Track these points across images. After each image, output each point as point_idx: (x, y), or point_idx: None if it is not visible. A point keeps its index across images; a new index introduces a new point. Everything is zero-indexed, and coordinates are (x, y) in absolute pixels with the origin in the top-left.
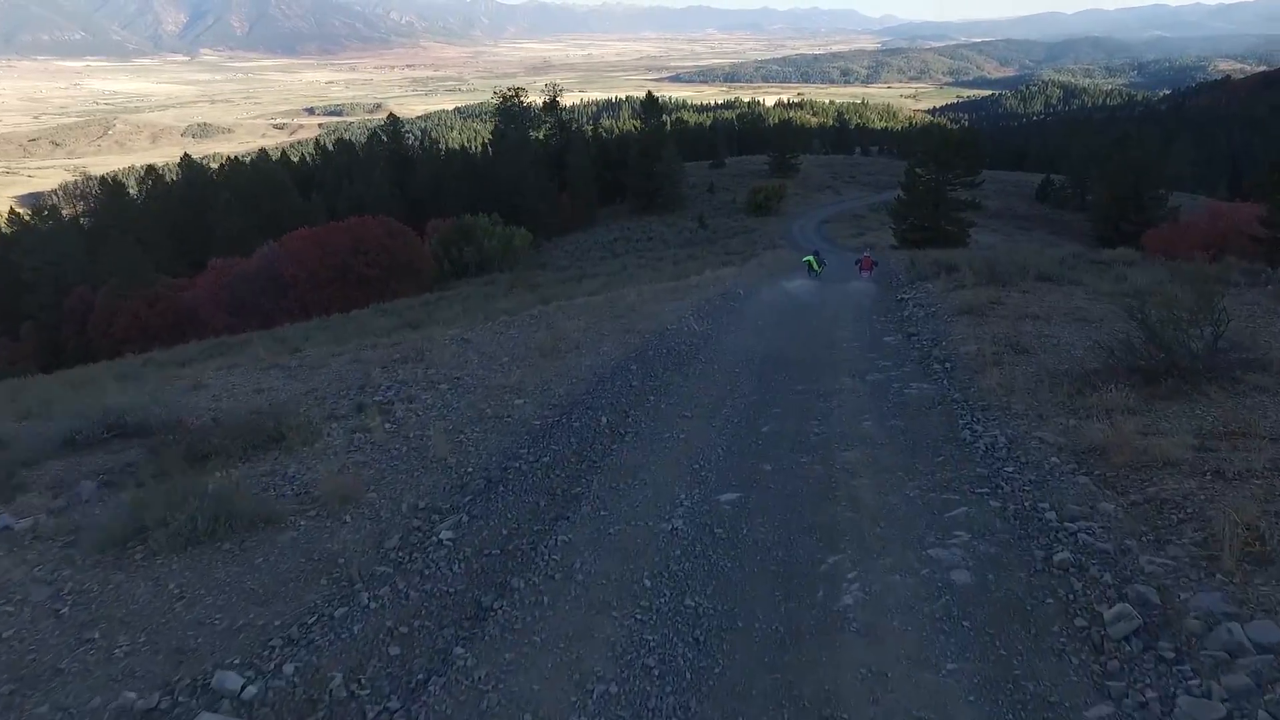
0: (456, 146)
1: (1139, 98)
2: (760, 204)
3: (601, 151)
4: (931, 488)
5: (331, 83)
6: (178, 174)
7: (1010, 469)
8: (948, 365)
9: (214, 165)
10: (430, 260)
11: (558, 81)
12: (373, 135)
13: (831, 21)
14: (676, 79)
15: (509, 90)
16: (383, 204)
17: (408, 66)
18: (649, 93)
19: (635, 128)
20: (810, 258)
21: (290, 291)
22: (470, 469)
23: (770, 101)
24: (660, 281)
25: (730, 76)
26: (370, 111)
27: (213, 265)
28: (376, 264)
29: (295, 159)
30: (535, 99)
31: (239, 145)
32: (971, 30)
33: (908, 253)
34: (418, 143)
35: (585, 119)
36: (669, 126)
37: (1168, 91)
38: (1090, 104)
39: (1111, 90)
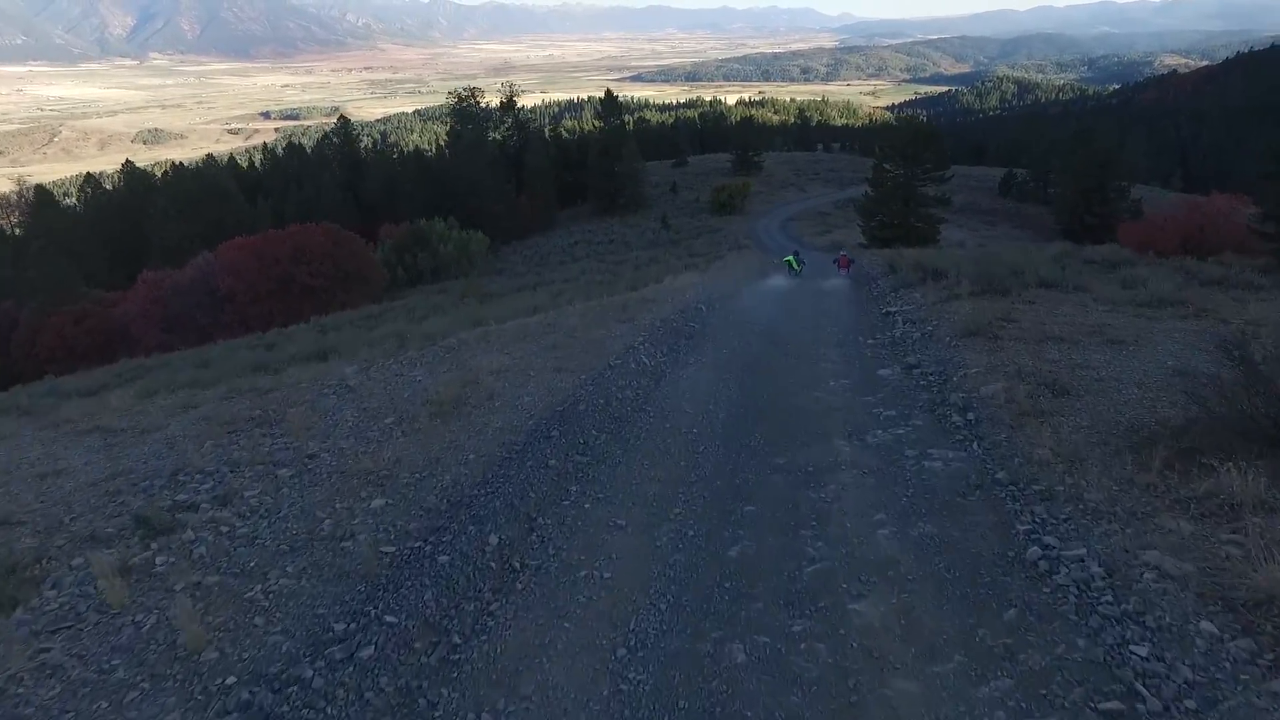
0: (416, 149)
1: (1090, 92)
2: (724, 203)
3: (561, 152)
4: (1016, 689)
5: (287, 86)
6: (119, 181)
7: (1139, 644)
8: (970, 417)
9: (159, 172)
10: (380, 268)
11: (515, 82)
12: (324, 138)
13: (790, 20)
14: (638, 79)
15: (464, 90)
16: (334, 209)
17: (365, 69)
18: (608, 91)
19: (596, 127)
20: (790, 258)
21: (228, 305)
22: (229, 679)
23: (732, 100)
24: (615, 292)
25: (692, 76)
26: (328, 115)
27: (144, 278)
28: (321, 274)
29: (245, 164)
30: (492, 99)
31: (193, 151)
32: (928, 28)
33: (882, 253)
34: (373, 145)
35: (547, 119)
36: (631, 126)
37: (1117, 86)
38: (1044, 99)
39: (1064, 85)
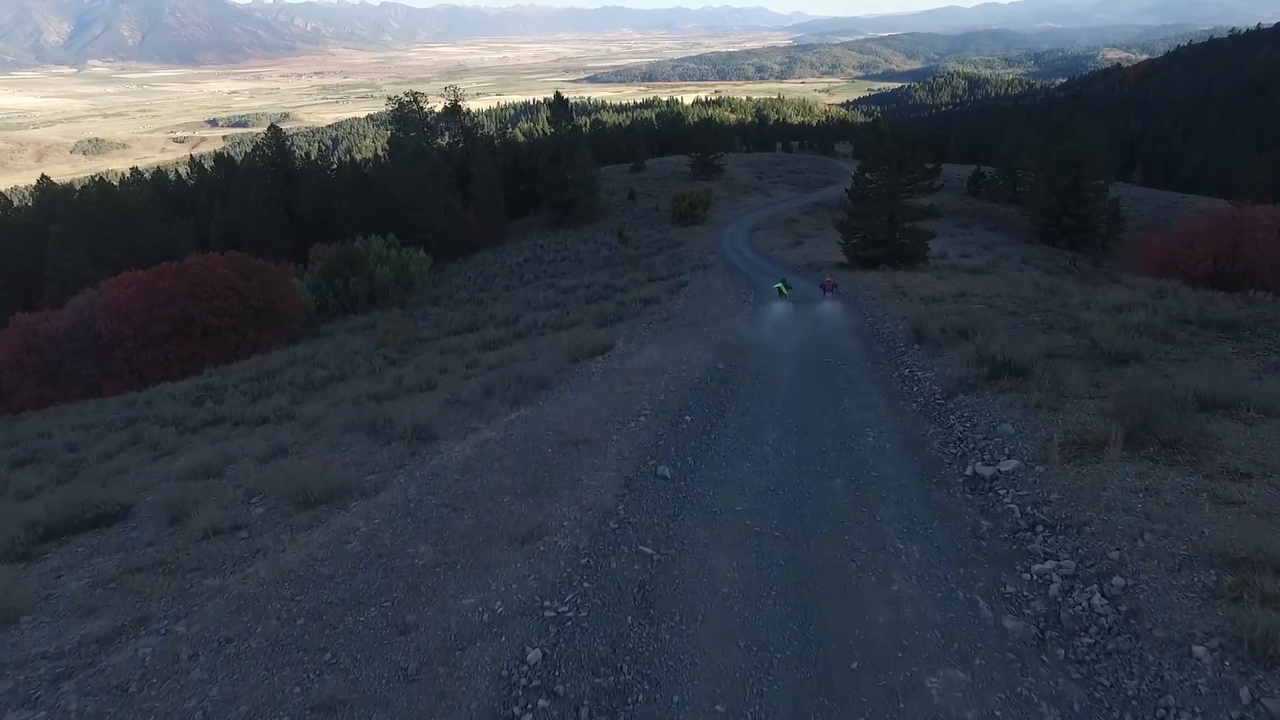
0: (369, 156)
1: (1038, 86)
2: (685, 212)
3: (512, 160)
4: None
5: (235, 93)
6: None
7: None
8: None
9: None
10: (304, 297)
11: (470, 85)
12: (255, 149)
13: (744, 19)
14: (594, 80)
15: (406, 95)
16: (263, 228)
17: (316, 74)
18: (557, 94)
19: (546, 132)
20: (780, 284)
21: (116, 352)
22: None
23: (689, 99)
24: (543, 356)
25: (648, 76)
26: (278, 122)
27: (16, 321)
28: (225, 311)
29: (177, 176)
30: (437, 104)
31: (136, 161)
32: (879, 25)
33: (876, 282)
34: (315, 155)
35: (505, 122)
36: (587, 128)
37: (1064, 80)
38: (994, 94)
39: (1012, 80)
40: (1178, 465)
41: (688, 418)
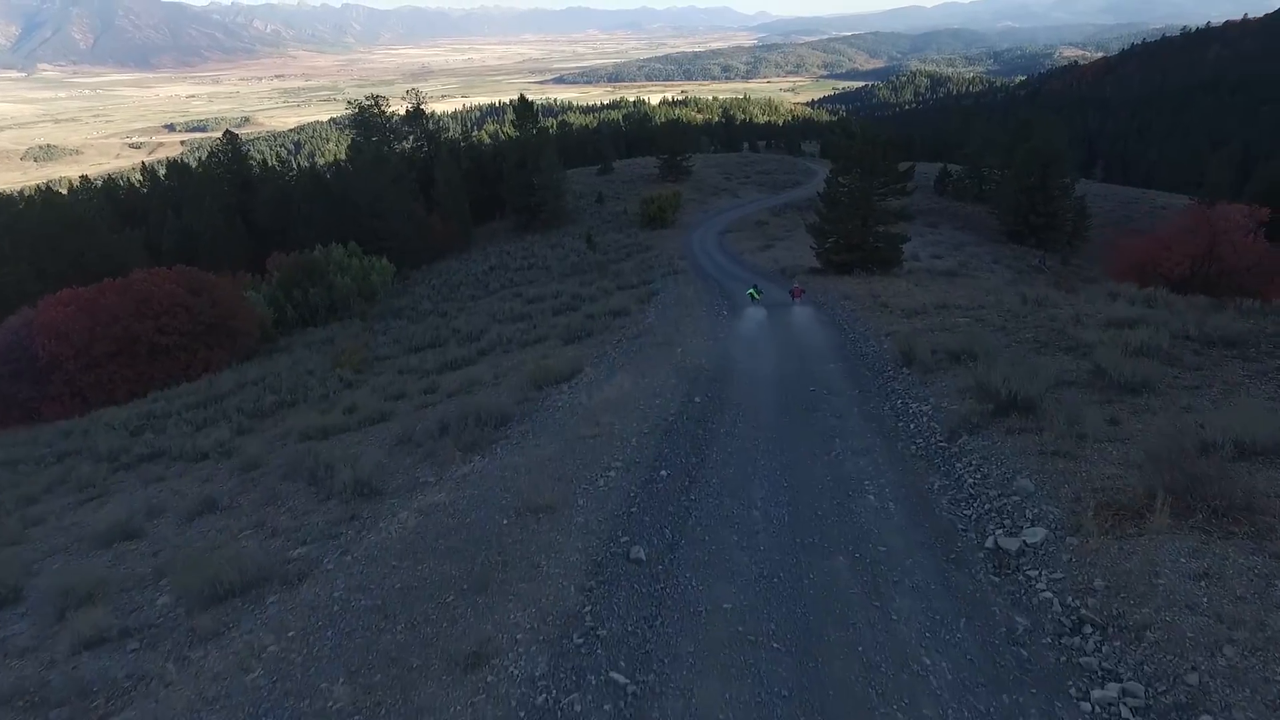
0: (333, 159)
1: (998, 84)
2: (654, 215)
3: (476, 164)
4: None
5: (193, 97)
6: None
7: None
8: None
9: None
10: (260, 311)
11: (435, 87)
12: (210, 156)
13: (708, 19)
14: (560, 80)
15: (367, 98)
16: (219, 238)
17: (277, 77)
18: (521, 97)
19: (512, 134)
20: (752, 289)
21: (55, 374)
22: None
23: (655, 100)
24: (506, 381)
25: (614, 76)
26: (238, 126)
27: None
28: (174, 329)
29: (132, 184)
30: (400, 107)
31: (90, 167)
32: (842, 25)
33: (853, 290)
34: (276, 160)
35: (471, 124)
36: (554, 129)
37: (1023, 77)
38: (956, 91)
39: (973, 78)
40: (1235, 539)
41: (663, 472)
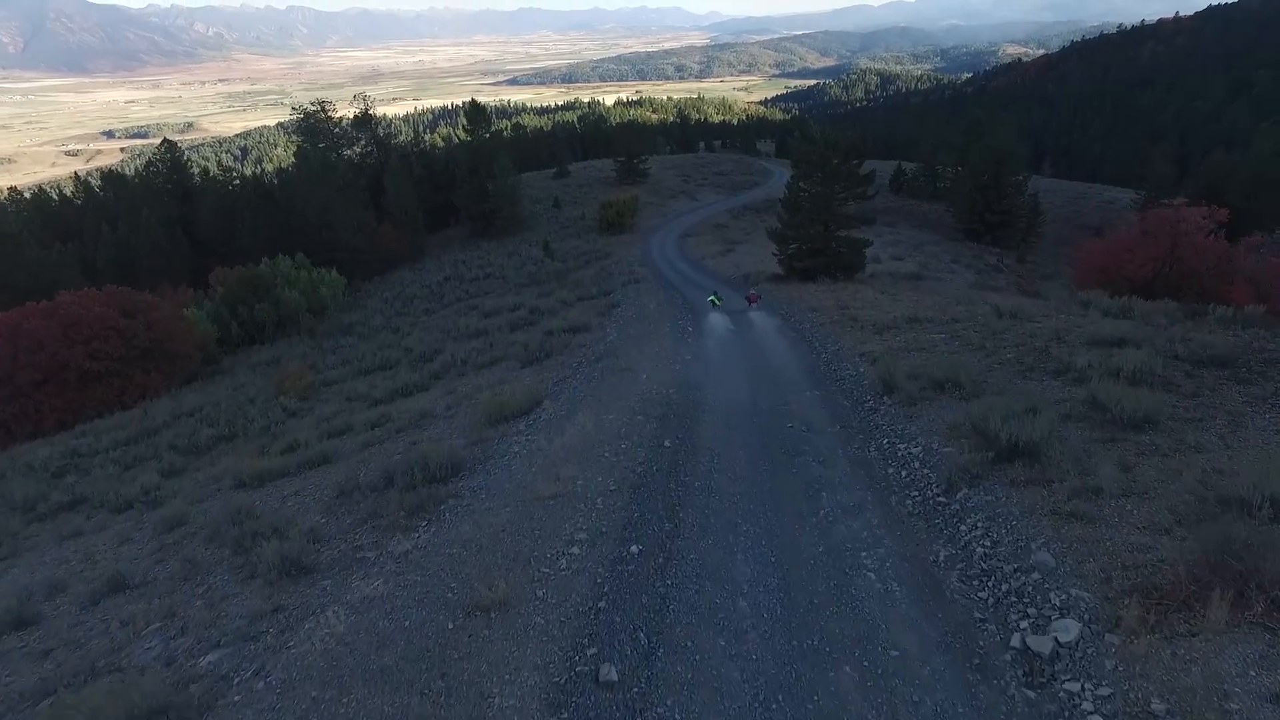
0: (282, 165)
1: (945, 81)
2: (612, 220)
3: (429, 170)
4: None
5: (132, 102)
6: None
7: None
8: None
9: None
10: (192, 336)
11: (374, 91)
12: (149, 165)
13: (660, 19)
14: (514, 82)
15: (313, 104)
16: (158, 252)
17: (221, 81)
18: (473, 101)
19: (464, 138)
20: (712, 296)
21: None
22: None
23: (610, 100)
24: (460, 413)
25: (568, 77)
26: (181, 132)
27: None
28: (105, 354)
29: (58, 197)
30: (349, 111)
31: (23, 177)
32: (792, 24)
33: (819, 300)
34: (221, 167)
35: (424, 127)
36: (508, 131)
37: (969, 75)
38: (905, 89)
39: (921, 76)
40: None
41: (634, 548)
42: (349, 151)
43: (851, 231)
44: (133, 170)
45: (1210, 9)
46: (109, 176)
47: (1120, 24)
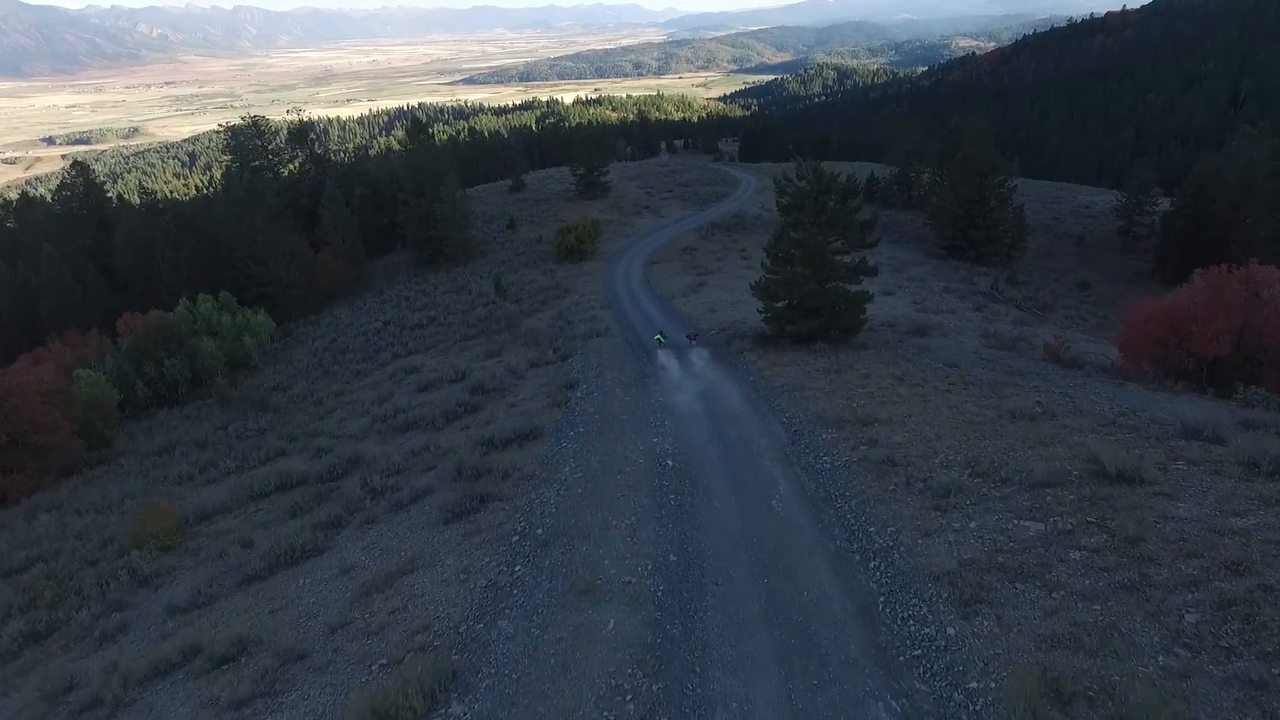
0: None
1: (902, 75)
2: (572, 247)
3: (371, 189)
4: None
5: (74, 107)
6: None
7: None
8: None
9: None
10: (62, 425)
11: (322, 93)
12: (59, 188)
13: (617, 16)
14: (471, 81)
15: (243, 118)
16: (64, 294)
17: (167, 84)
18: (413, 117)
19: (405, 148)
20: (659, 335)
21: None
22: None
23: (569, 99)
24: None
25: (526, 76)
26: (126, 137)
27: None
28: None
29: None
30: (305, 112)
31: None
32: (748, 19)
33: (831, 406)
34: (137, 192)
35: (378, 130)
36: (465, 134)
37: (925, 68)
38: (862, 83)
39: (877, 70)
40: None
41: None
42: (286, 169)
43: (849, 284)
44: (5, 203)
45: (1156, 2)
46: (10, 205)
47: (1069, 17)
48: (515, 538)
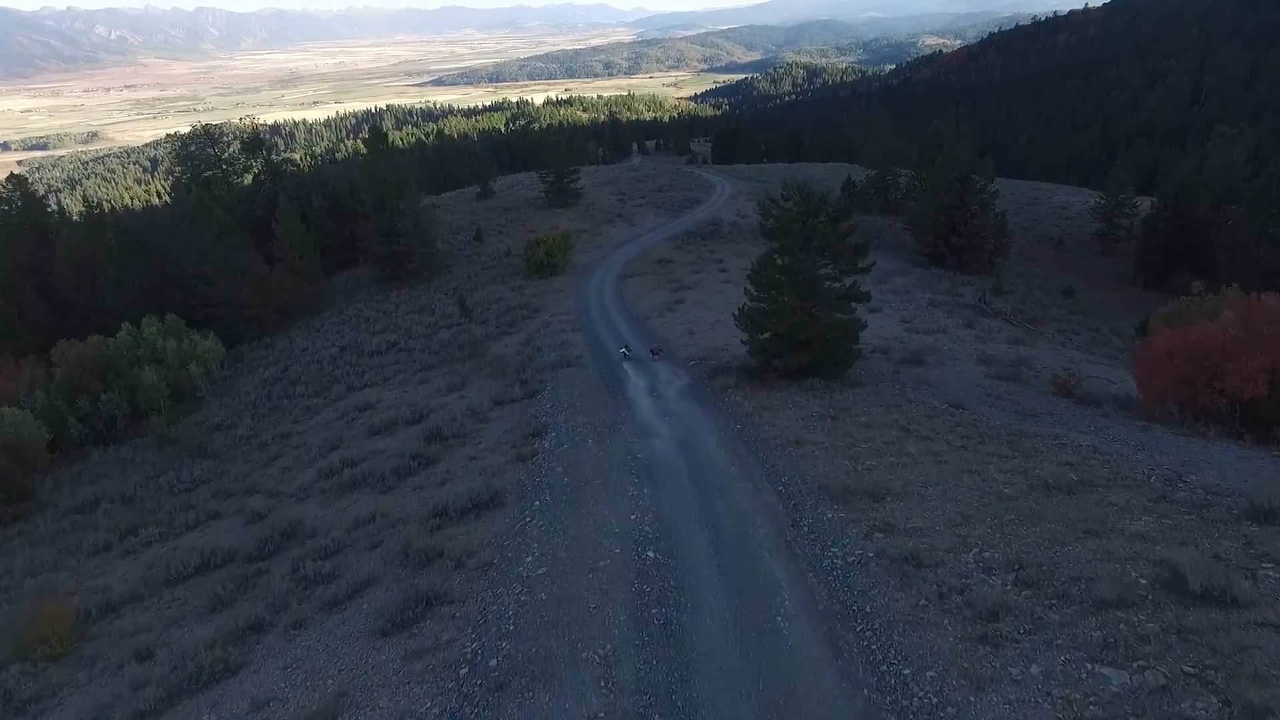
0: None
1: (870, 73)
2: (542, 261)
3: (330, 201)
4: None
5: (29, 111)
6: None
7: None
8: None
9: None
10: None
11: (264, 105)
12: None
13: (587, 16)
14: (439, 83)
15: (196, 126)
16: (1, 318)
17: (127, 87)
18: (372, 126)
19: (364, 158)
20: (624, 349)
21: None
22: None
23: (539, 100)
24: None
25: (495, 76)
26: (85, 142)
27: None
28: None
29: None
30: (270, 115)
31: None
32: (718, 18)
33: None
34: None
35: (345, 132)
36: (433, 137)
37: (892, 66)
38: (831, 81)
39: (846, 68)
40: None
41: None
42: (239, 180)
43: (841, 312)
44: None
45: (1117, 0)
46: None
47: (1033, 15)
48: (464, 669)
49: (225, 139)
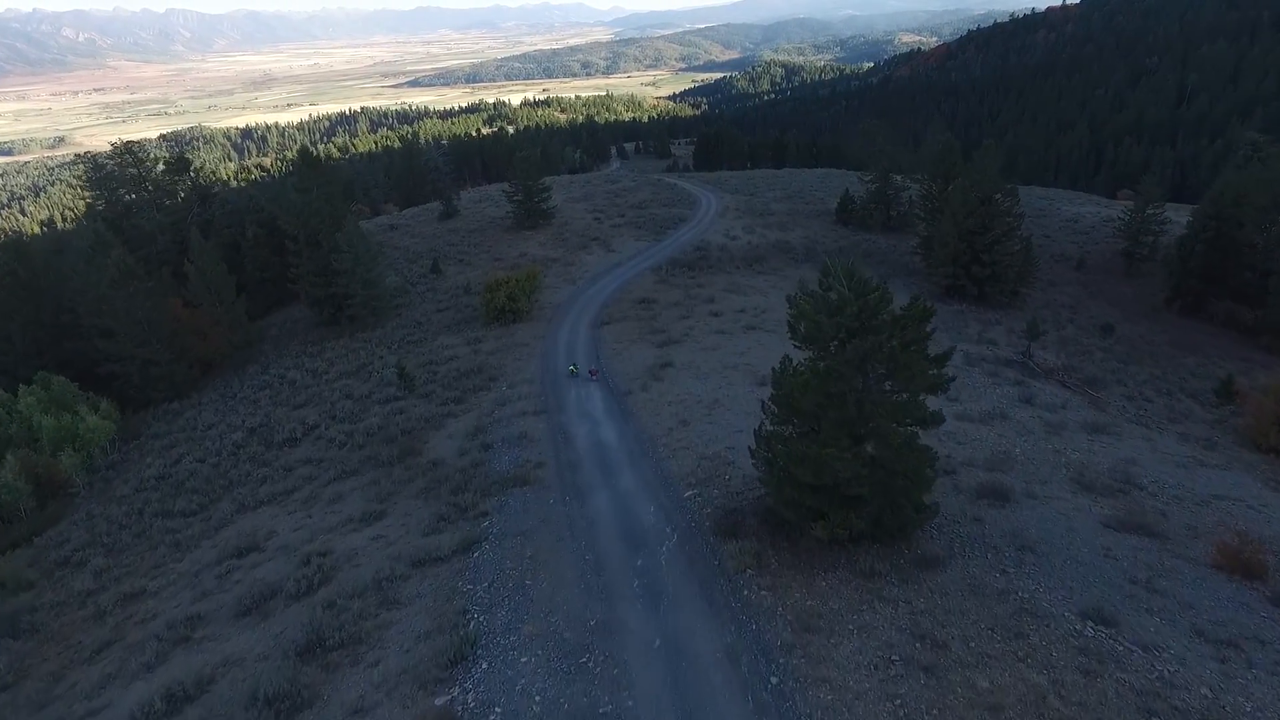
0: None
1: (849, 71)
2: (503, 307)
3: (268, 228)
4: None
5: None
6: None
7: None
8: None
9: None
10: None
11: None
12: None
13: (564, 16)
14: (416, 84)
15: (112, 143)
16: None
17: (96, 90)
18: (303, 149)
19: (356, 150)
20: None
21: None
22: None
23: (517, 100)
24: None
25: (472, 77)
26: (51, 147)
27: None
28: None
29: None
30: (246, 118)
31: None
32: (695, 17)
33: None
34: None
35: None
36: (399, 142)
37: (871, 64)
38: (810, 80)
39: (824, 66)
40: None
41: None
42: (171, 201)
43: (903, 453)
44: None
45: None
46: None
47: (1010, 12)
48: None
49: (152, 158)
